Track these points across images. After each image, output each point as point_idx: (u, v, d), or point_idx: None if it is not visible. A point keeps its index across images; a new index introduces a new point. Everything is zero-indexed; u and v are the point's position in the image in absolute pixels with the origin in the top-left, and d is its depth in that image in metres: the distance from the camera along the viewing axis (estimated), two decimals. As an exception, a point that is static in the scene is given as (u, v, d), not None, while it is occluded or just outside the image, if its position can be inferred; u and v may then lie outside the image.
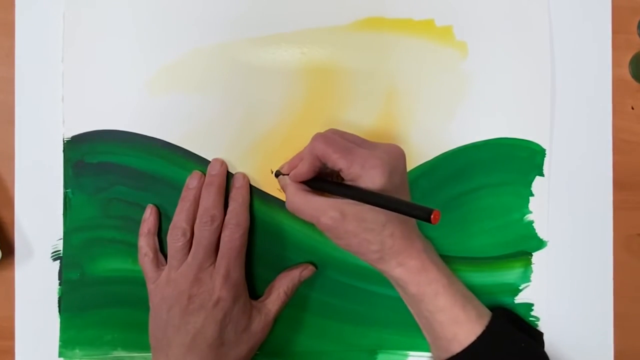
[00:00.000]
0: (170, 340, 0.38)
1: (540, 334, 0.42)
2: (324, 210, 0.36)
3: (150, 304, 0.40)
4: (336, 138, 0.37)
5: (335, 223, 0.35)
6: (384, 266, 0.37)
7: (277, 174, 0.41)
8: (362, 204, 0.35)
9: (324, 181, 0.38)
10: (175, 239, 0.39)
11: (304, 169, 0.37)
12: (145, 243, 0.41)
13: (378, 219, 0.36)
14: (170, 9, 0.43)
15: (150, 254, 0.41)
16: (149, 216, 0.42)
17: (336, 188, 0.37)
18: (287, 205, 0.38)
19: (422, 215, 0.32)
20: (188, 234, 0.40)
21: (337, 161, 0.35)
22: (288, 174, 0.39)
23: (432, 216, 0.31)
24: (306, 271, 0.42)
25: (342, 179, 0.37)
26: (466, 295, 0.39)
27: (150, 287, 0.40)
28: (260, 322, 0.40)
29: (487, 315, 0.38)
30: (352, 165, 0.35)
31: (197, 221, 0.40)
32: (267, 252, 0.43)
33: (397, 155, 0.37)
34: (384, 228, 0.36)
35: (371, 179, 0.35)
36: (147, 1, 0.42)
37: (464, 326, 0.37)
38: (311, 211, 0.36)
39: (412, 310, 0.40)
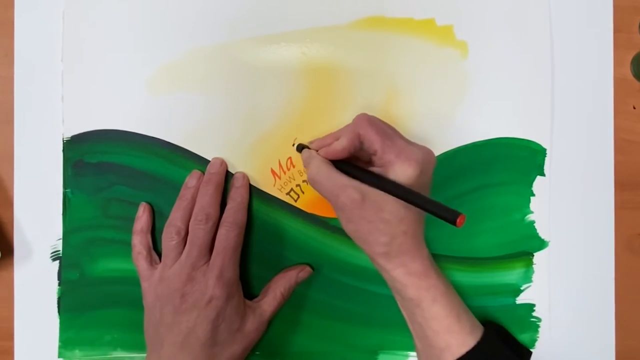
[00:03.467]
0: (163, 339, 0.37)
1: (529, 353, 0.41)
2: (346, 188, 0.35)
3: (144, 302, 0.40)
4: (379, 121, 0.37)
5: (353, 204, 0.35)
6: (386, 263, 0.37)
7: (300, 147, 0.41)
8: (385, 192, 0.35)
9: (354, 166, 0.38)
10: (169, 238, 0.39)
11: (341, 146, 0.37)
12: (138, 241, 0.41)
13: (397, 212, 0.35)
14: (170, 8, 0.42)
15: (144, 252, 0.40)
16: (142, 214, 0.41)
17: (365, 174, 0.36)
18: (308, 176, 0.38)
19: (448, 216, 0.32)
20: (182, 233, 0.39)
21: (375, 142, 0.36)
22: (315, 150, 0.39)
23: (457, 219, 0.32)
24: (303, 273, 0.42)
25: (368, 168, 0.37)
26: (461, 306, 0.38)
27: (144, 285, 0.40)
28: (254, 323, 0.40)
29: (479, 328, 0.38)
30: (388, 151, 0.35)
31: (192, 219, 0.39)
32: (265, 252, 0.43)
33: (430, 159, 0.37)
34: (400, 223, 0.36)
35: (402, 170, 0.35)
36: (147, 0, 0.42)
37: (457, 337, 0.36)
38: (332, 187, 0.36)
39: (405, 315, 0.39)
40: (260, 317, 0.40)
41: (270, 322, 0.42)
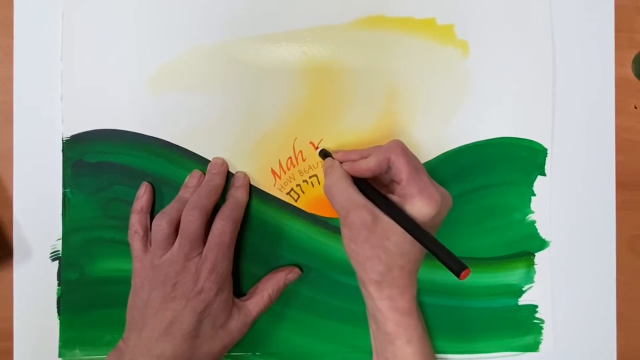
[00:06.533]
0: (146, 322, 0.37)
1: None
2: (359, 207, 0.35)
3: (133, 282, 0.40)
4: (410, 152, 0.37)
5: (362, 225, 0.35)
6: (375, 292, 0.36)
7: (323, 153, 0.41)
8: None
9: (373, 188, 0.37)
10: (159, 229, 0.38)
11: (368, 166, 0.37)
12: (136, 220, 0.41)
13: (401, 245, 0.35)
14: (170, 7, 0.42)
15: (141, 232, 0.40)
16: (142, 194, 0.41)
17: (382, 200, 0.36)
18: (325, 185, 0.38)
19: (453, 267, 0.33)
20: (174, 223, 0.39)
21: (403, 172, 0.36)
22: (337, 161, 0.39)
23: (462, 272, 0.32)
24: (292, 274, 0.42)
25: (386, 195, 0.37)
26: (430, 352, 0.38)
27: (136, 265, 0.40)
28: (238, 321, 0.39)
29: None
30: (412, 184, 0.35)
31: (185, 208, 0.39)
32: (266, 252, 0.43)
33: (447, 204, 0.37)
34: (401, 257, 0.35)
35: (421, 207, 0.35)
36: (146, 0, 0.42)
37: None
38: (345, 202, 0.36)
39: (374, 344, 0.39)
40: (245, 317, 0.40)
41: (275, 323, 0.42)
